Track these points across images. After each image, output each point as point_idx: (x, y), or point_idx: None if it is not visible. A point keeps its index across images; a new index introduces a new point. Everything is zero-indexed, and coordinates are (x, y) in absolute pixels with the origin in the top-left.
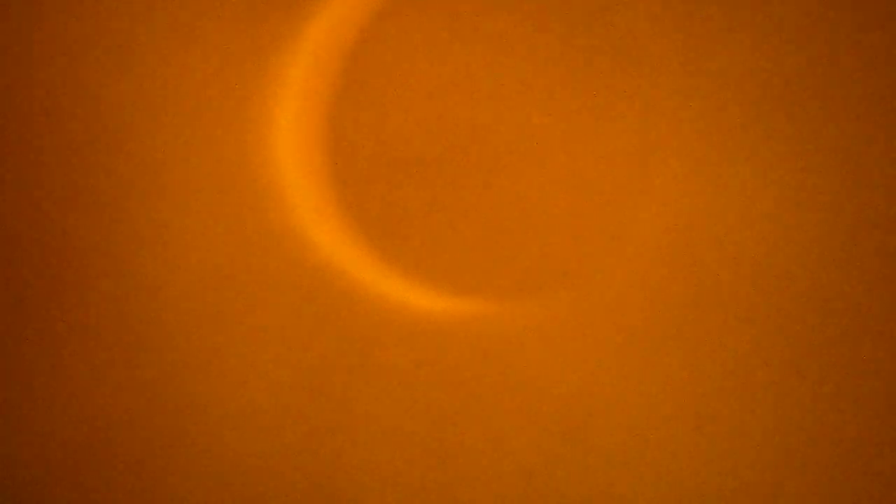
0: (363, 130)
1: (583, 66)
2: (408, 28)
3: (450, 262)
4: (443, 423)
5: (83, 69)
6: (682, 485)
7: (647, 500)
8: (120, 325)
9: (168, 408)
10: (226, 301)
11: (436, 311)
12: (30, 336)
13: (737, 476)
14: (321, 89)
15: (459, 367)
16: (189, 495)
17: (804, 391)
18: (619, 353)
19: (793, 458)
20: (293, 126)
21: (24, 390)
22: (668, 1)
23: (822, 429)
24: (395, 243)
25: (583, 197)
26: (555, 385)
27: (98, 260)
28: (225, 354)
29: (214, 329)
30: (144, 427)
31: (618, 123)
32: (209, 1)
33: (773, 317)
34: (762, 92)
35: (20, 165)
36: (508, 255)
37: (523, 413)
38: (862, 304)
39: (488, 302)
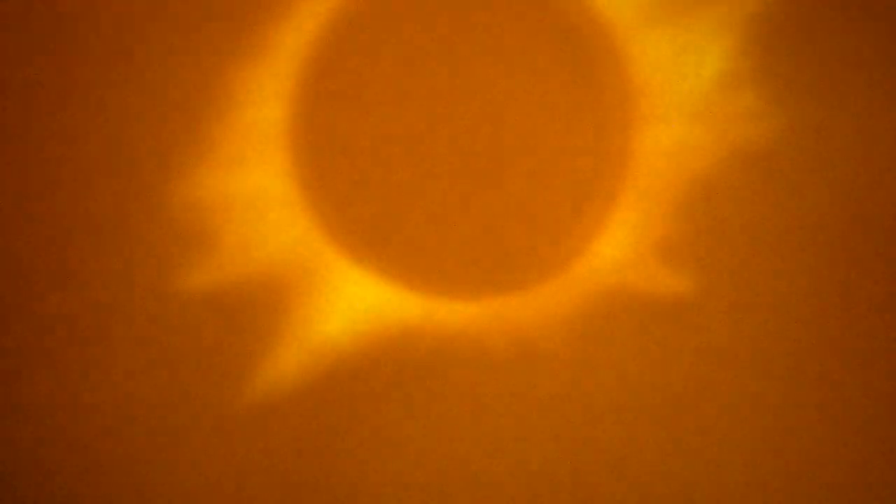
0: (338, 133)
1: (554, 67)
2: (383, 30)
3: (429, 263)
4: (429, 422)
5: (70, 73)
6: (681, 481)
7: (648, 498)
8: (117, 325)
9: (165, 409)
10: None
11: (411, 311)
12: (29, 336)
13: (735, 474)
14: (299, 93)
15: (441, 365)
16: (188, 497)
17: (799, 385)
18: (605, 347)
19: (788, 440)
20: (272, 128)
21: (24, 390)
22: None
23: (814, 410)
24: (369, 245)
25: (558, 193)
26: (540, 381)
27: (90, 260)
28: (218, 356)
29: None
30: (142, 428)
31: (592, 122)
32: (186, 7)
33: (766, 311)
34: (738, 88)
35: (18, 166)
36: (485, 254)
37: (513, 410)
38: (859, 305)
39: (464, 301)
